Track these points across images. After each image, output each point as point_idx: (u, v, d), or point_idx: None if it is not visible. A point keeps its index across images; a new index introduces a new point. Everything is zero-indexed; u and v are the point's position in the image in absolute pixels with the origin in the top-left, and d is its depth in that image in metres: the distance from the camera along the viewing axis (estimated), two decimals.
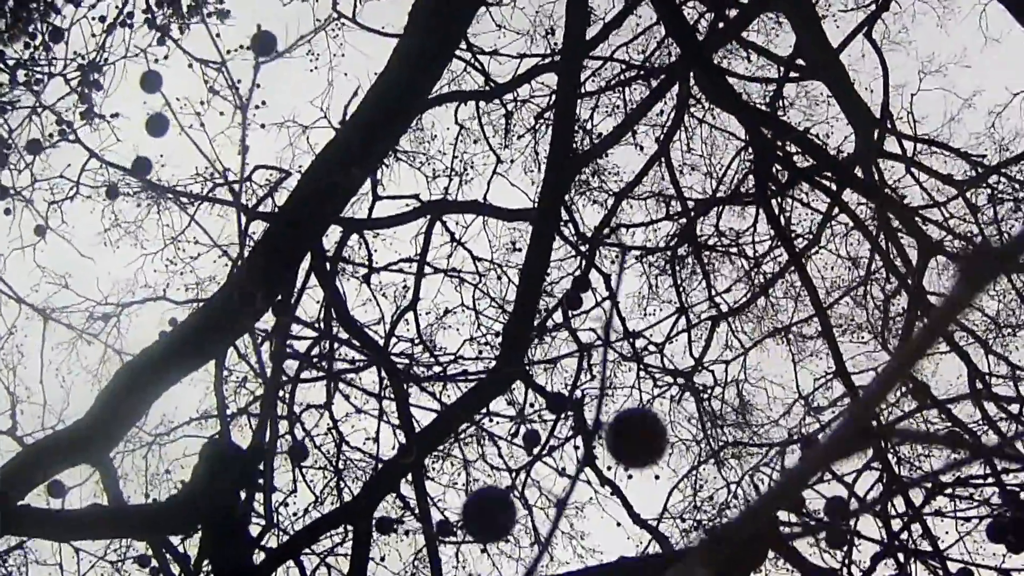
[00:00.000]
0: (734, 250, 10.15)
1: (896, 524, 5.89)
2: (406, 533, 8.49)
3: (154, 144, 9.28)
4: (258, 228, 9.91)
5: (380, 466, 7.74)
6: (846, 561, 6.01)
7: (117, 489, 8.44)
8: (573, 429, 7.75)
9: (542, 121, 9.95)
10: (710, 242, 10.17)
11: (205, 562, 6.74)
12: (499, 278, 9.58)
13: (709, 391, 9.70)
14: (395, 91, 7.38)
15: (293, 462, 8.32)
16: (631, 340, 9.02)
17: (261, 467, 6.76)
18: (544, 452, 7.57)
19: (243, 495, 6.69)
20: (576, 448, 7.85)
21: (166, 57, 7.64)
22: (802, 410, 9.42)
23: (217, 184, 9.85)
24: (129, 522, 7.04)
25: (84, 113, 7.23)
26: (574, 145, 8.35)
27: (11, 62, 6.85)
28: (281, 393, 9.35)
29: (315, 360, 8.70)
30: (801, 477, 0.88)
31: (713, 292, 9.93)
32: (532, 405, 8.16)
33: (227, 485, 6.44)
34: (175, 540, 8.02)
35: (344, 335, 9.69)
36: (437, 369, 9.62)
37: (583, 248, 8.89)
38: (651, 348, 9.55)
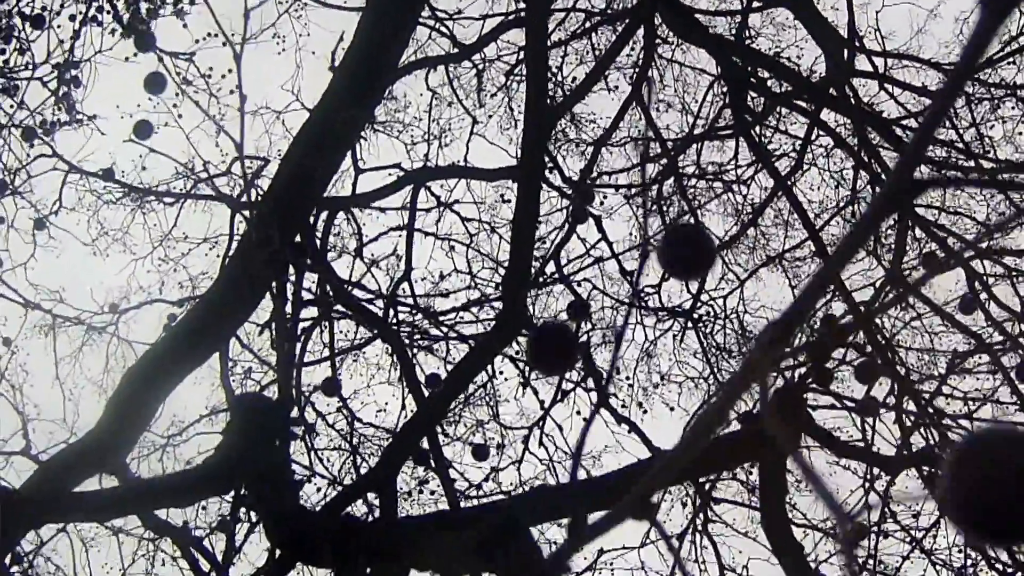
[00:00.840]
0: (718, 185, 10.19)
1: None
2: (432, 493, 8.56)
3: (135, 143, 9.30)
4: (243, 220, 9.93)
5: (396, 432, 7.80)
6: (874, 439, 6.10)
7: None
8: (584, 372, 7.82)
9: (513, 78, 9.98)
10: (694, 179, 10.21)
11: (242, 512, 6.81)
12: (490, 234, 9.60)
13: (711, 325, 9.75)
14: (363, 66, 7.40)
15: (328, 395, 8.35)
16: (630, 278, 9.05)
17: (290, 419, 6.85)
18: (557, 399, 7.65)
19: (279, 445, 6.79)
20: (588, 391, 7.93)
21: (135, 54, 7.64)
22: (806, 333, 9.45)
23: (200, 180, 9.86)
24: (171, 491, 7.10)
25: (67, 110, 7.24)
26: (549, 96, 8.37)
27: None
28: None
29: (328, 306, 8.73)
30: (848, 248, 0.91)
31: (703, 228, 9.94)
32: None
33: (265, 436, 6.51)
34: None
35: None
36: (439, 335, 9.69)
37: (570, 192, 8.92)
38: (648, 289, 9.61)
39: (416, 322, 9.21)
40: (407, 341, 8.26)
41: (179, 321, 8.36)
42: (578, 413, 8.31)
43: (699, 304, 9.79)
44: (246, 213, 7.64)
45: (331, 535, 6.01)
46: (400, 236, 9.29)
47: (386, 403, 9.52)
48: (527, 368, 7.97)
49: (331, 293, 9.23)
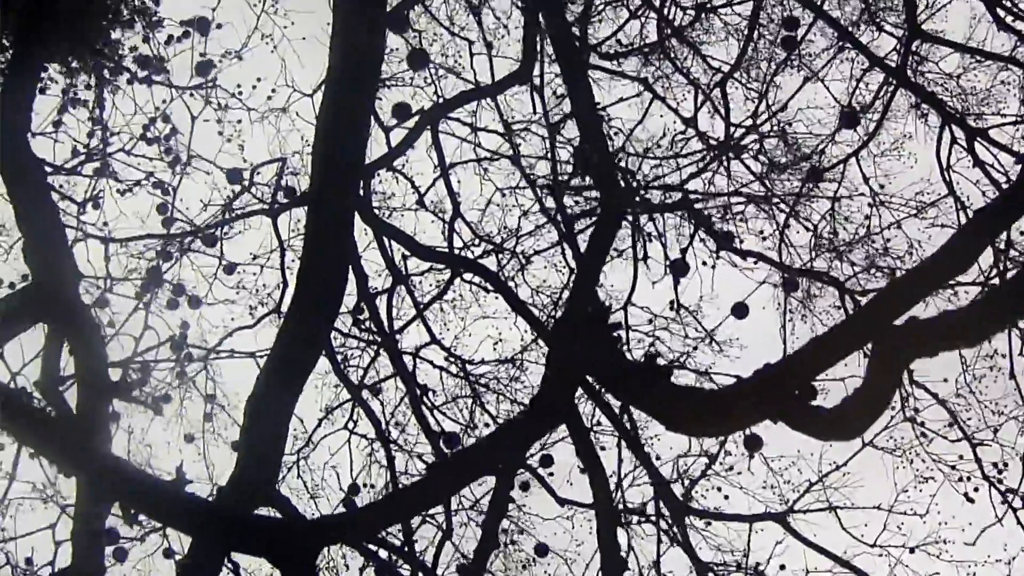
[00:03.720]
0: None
1: None
2: None
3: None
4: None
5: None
6: None
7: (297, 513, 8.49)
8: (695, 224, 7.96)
9: None
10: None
11: None
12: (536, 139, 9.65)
13: (757, 141, 9.80)
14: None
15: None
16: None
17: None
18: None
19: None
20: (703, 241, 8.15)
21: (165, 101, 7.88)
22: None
23: (231, 202, 9.89)
24: (499, 444, 7.26)
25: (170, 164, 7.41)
26: None
27: None
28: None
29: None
30: None
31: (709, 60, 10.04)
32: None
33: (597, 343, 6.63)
34: None
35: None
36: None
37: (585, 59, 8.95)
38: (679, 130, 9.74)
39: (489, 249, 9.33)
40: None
41: (276, 339, 8.30)
42: (704, 263, 8.55)
43: (733, 128, 9.82)
44: None
45: None
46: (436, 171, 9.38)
47: (499, 333, 9.52)
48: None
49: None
